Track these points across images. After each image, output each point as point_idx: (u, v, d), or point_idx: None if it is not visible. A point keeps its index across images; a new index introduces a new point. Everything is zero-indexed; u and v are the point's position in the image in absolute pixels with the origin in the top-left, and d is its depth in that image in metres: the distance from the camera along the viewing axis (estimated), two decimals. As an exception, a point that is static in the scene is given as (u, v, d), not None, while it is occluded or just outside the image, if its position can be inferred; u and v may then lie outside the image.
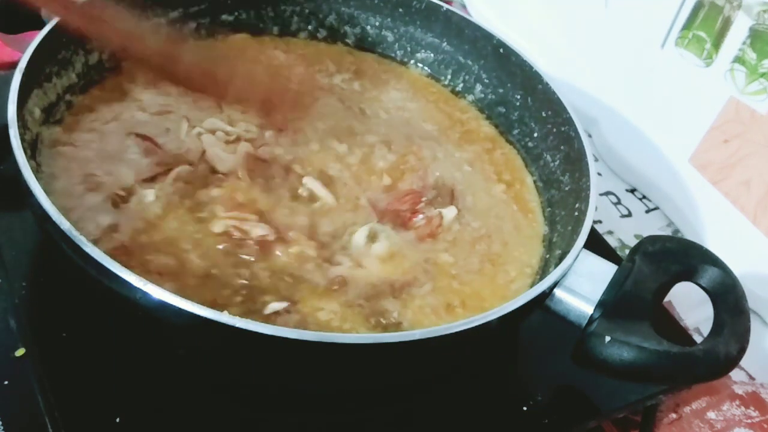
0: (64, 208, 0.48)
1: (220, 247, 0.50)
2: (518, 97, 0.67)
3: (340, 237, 0.53)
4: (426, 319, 0.50)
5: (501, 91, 0.68)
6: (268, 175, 0.56)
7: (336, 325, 0.48)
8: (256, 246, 0.51)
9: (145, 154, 0.55)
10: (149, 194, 0.52)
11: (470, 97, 0.70)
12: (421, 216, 0.56)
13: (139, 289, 0.40)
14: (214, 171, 0.55)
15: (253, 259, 0.50)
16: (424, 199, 0.58)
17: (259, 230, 0.51)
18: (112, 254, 0.41)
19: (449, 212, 0.57)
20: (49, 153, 0.53)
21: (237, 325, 0.40)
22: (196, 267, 0.49)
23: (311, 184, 0.56)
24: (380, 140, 0.62)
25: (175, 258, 0.49)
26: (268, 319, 0.47)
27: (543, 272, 0.55)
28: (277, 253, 0.51)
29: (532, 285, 0.53)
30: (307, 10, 0.72)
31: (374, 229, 0.54)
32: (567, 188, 0.59)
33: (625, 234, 0.74)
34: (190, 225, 0.51)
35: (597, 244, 0.54)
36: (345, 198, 0.57)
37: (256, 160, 0.57)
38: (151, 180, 0.53)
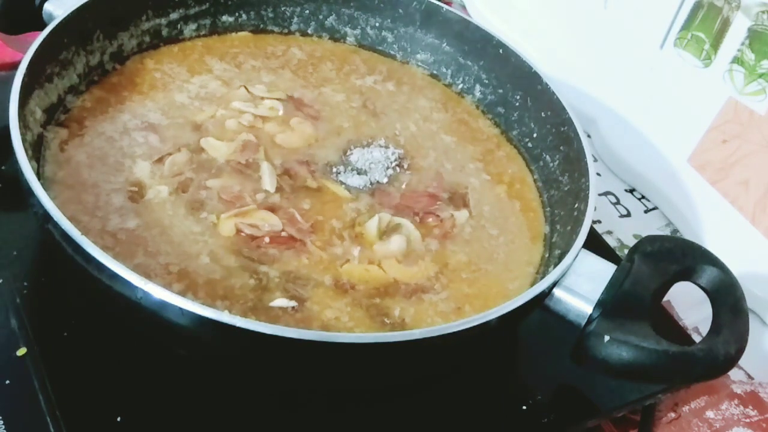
0: (65, 208, 0.48)
1: (230, 245, 0.50)
2: (518, 97, 0.67)
3: (351, 231, 0.54)
4: (432, 321, 0.50)
5: (500, 91, 0.68)
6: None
7: (341, 323, 0.48)
8: (268, 242, 0.51)
9: (147, 152, 0.55)
10: (162, 190, 0.53)
11: (470, 98, 0.70)
12: (432, 218, 0.57)
13: (139, 288, 0.40)
14: (212, 160, 0.56)
15: (263, 256, 0.50)
16: (438, 203, 0.58)
17: (268, 224, 0.52)
18: (116, 254, 0.41)
19: (461, 215, 0.58)
20: (50, 153, 0.53)
21: (238, 324, 0.40)
22: (204, 266, 0.49)
23: (324, 179, 0.57)
24: (393, 140, 0.63)
25: (182, 256, 0.49)
26: (272, 311, 0.47)
27: (543, 272, 0.55)
28: (288, 250, 0.51)
29: (533, 284, 0.53)
30: (307, 11, 0.72)
31: (393, 221, 0.55)
32: (566, 188, 0.59)
33: (624, 234, 0.75)
34: (196, 221, 0.52)
35: (596, 244, 0.54)
36: (356, 192, 0.57)
37: (255, 147, 0.58)
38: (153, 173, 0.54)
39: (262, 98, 0.63)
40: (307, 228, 0.53)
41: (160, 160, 0.55)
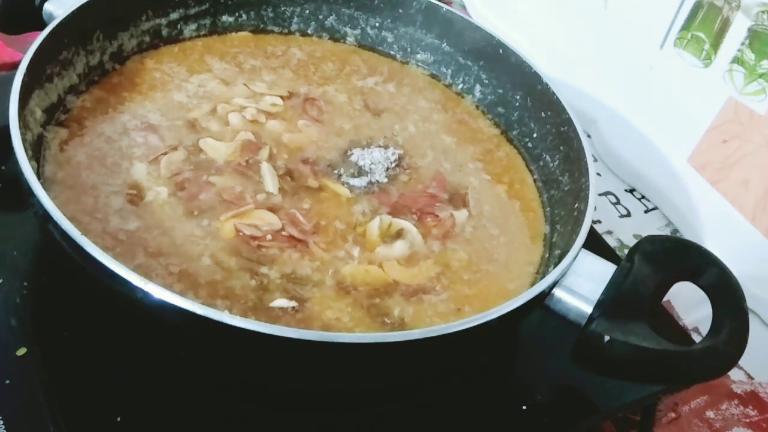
0: (65, 209, 0.48)
1: (230, 246, 0.50)
2: (518, 97, 0.67)
3: (353, 232, 0.54)
4: (432, 322, 0.50)
5: (500, 91, 0.68)
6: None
7: (341, 323, 0.48)
8: (270, 239, 0.51)
9: (146, 153, 0.55)
10: (162, 192, 0.52)
11: (470, 98, 0.70)
12: (431, 218, 0.57)
13: (139, 288, 0.40)
14: (211, 161, 0.56)
15: (263, 257, 0.50)
16: (438, 203, 0.58)
17: (267, 224, 0.52)
18: (116, 254, 0.41)
19: (461, 215, 0.58)
20: (50, 153, 0.53)
21: (237, 324, 0.40)
22: (204, 267, 0.49)
23: (325, 179, 0.57)
24: (392, 140, 0.63)
25: (183, 257, 0.49)
26: (272, 311, 0.47)
27: (543, 272, 0.55)
28: (288, 250, 0.51)
29: (533, 284, 0.53)
30: (307, 11, 0.72)
31: (394, 223, 0.55)
32: (566, 188, 0.59)
33: (624, 234, 0.75)
34: (197, 222, 0.52)
35: (596, 244, 0.54)
36: (357, 193, 0.57)
37: (255, 147, 0.58)
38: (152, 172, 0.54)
39: (263, 95, 0.63)
40: (310, 229, 0.53)
41: (156, 159, 0.55)
